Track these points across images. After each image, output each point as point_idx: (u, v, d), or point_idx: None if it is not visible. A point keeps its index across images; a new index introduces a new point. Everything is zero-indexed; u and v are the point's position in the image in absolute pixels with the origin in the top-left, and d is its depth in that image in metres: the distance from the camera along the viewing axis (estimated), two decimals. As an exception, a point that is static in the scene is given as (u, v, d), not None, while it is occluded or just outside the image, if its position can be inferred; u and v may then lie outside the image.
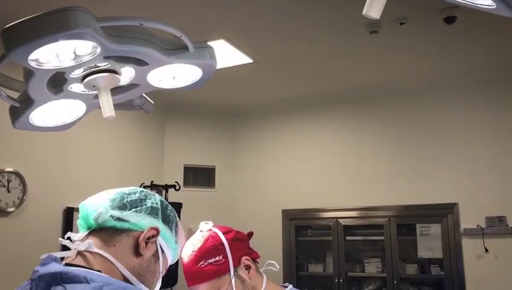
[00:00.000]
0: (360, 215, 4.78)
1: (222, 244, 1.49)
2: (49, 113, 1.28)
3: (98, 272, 0.98)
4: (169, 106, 5.34)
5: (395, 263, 4.49)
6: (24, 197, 3.66)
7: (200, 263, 1.45)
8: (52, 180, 3.91)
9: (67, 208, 3.92)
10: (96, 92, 1.19)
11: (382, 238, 4.63)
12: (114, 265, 1.03)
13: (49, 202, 3.82)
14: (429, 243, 4.41)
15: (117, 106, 1.32)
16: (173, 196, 4.53)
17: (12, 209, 3.59)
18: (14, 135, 3.68)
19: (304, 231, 5.11)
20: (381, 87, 4.78)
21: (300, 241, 5.11)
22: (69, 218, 3.87)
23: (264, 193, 5.29)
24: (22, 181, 3.67)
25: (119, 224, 1.08)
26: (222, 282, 1.46)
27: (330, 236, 4.83)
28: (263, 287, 1.56)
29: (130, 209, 1.10)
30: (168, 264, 1.18)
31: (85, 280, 0.93)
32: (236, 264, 1.50)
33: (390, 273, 4.49)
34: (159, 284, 1.15)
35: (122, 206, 1.10)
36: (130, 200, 1.12)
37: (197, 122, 5.56)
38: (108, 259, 1.03)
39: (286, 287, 1.64)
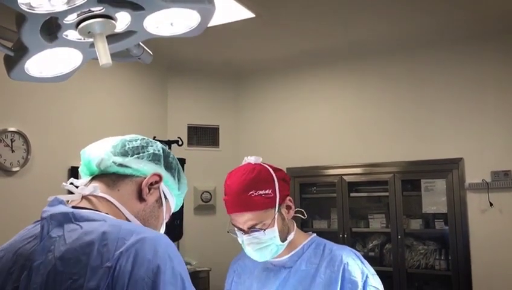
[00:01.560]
0: (365, 172, 4.78)
1: (273, 179, 1.54)
2: (46, 63, 1.25)
3: (107, 214, 0.98)
4: (171, 65, 5.28)
5: (400, 218, 4.52)
6: (28, 156, 3.67)
7: (251, 192, 1.48)
8: (56, 140, 3.91)
9: (72, 167, 3.94)
10: (92, 39, 1.15)
11: (386, 194, 4.64)
12: (119, 209, 1.03)
13: (53, 161, 3.83)
14: (434, 198, 4.42)
15: (115, 56, 1.28)
16: (176, 152, 4.53)
17: (17, 168, 3.61)
18: (16, 94, 3.67)
19: (308, 189, 5.13)
20: (386, 42, 4.68)
21: (305, 199, 5.14)
22: (73, 177, 3.88)
23: (268, 151, 5.27)
24: (26, 141, 3.68)
25: (121, 170, 1.07)
26: (266, 215, 1.51)
27: (334, 193, 4.85)
28: (294, 230, 1.61)
29: (132, 155, 1.10)
30: (172, 211, 1.18)
31: (101, 219, 0.93)
32: (281, 202, 1.55)
33: (394, 228, 4.53)
34: (163, 229, 1.16)
35: (124, 153, 1.09)
36: (132, 147, 1.11)
37: (200, 81, 5.51)
38: (113, 203, 1.03)
39: (311, 234, 1.68)
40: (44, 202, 0.98)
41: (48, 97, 3.92)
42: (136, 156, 1.10)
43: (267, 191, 1.50)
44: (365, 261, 1.55)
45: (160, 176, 1.10)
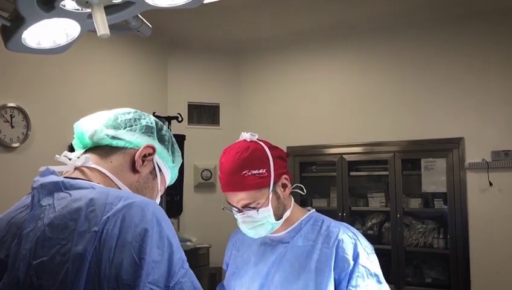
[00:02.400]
0: (365, 151, 4.78)
1: (268, 158, 1.51)
2: (43, 34, 1.24)
3: (98, 184, 0.98)
4: (172, 43, 5.24)
5: (399, 197, 4.53)
6: (28, 132, 3.67)
7: (244, 172, 1.47)
8: (55, 116, 3.90)
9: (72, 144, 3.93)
10: (89, 10, 1.14)
11: (386, 173, 4.64)
12: (112, 180, 1.03)
13: (53, 137, 3.82)
14: (434, 177, 4.42)
15: (114, 28, 1.27)
16: (176, 129, 4.54)
17: (17, 144, 3.60)
18: (16, 70, 3.65)
19: (308, 167, 5.14)
20: (388, 20, 4.64)
21: (304, 177, 5.15)
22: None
23: (268, 130, 5.26)
24: (25, 116, 3.67)
25: (114, 142, 1.08)
26: (260, 194, 1.49)
27: (334, 172, 4.86)
28: (291, 207, 1.60)
29: (125, 128, 1.10)
30: (167, 184, 1.19)
31: (89, 186, 0.94)
32: (276, 181, 1.53)
33: (393, 207, 4.55)
34: (157, 201, 1.15)
35: (117, 125, 1.10)
36: (124, 119, 1.12)
37: (200, 59, 5.47)
38: (105, 174, 1.03)
39: (309, 210, 1.67)
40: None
41: (47, 73, 3.89)
42: (128, 128, 1.10)
43: (261, 171, 1.48)
44: (363, 239, 1.53)
45: (153, 148, 1.10)
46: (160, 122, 1.18)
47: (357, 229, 4.98)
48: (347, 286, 1.44)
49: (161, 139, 1.15)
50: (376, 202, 4.73)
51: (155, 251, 0.82)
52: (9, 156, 3.58)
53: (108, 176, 1.03)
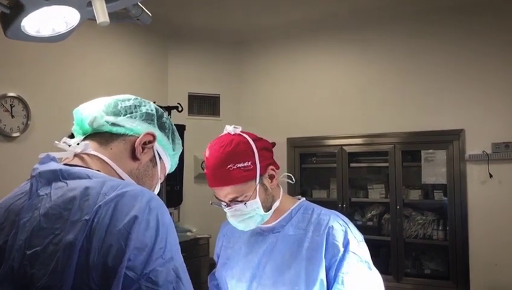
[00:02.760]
0: (365, 143, 4.77)
1: (252, 151, 1.49)
2: (42, 22, 1.23)
3: (97, 171, 0.97)
4: (172, 33, 5.22)
5: (399, 189, 4.54)
6: (28, 122, 3.67)
7: (229, 166, 1.45)
8: (55, 106, 3.89)
9: (72, 134, 3.93)
10: (89, -4, 1.13)
11: (386, 165, 4.64)
12: (111, 167, 1.03)
13: (53, 127, 3.81)
14: (434, 169, 4.42)
15: (114, 17, 1.26)
16: (177, 119, 4.52)
17: (17, 134, 3.61)
18: (16, 59, 3.64)
19: (308, 159, 5.14)
20: (388, 11, 4.61)
21: (305, 169, 5.16)
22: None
23: (269, 121, 5.27)
24: (25, 106, 3.66)
25: (114, 129, 1.07)
26: (247, 188, 1.48)
27: (335, 163, 4.86)
28: (280, 197, 1.59)
29: (125, 115, 1.09)
30: (167, 171, 1.18)
31: (86, 176, 0.93)
32: (263, 172, 1.51)
33: (393, 198, 4.55)
34: (157, 189, 1.15)
35: (117, 112, 1.09)
36: (125, 106, 1.10)
37: (201, 49, 5.46)
38: (105, 161, 1.03)
39: (299, 199, 1.66)
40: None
41: (47, 63, 3.88)
42: (128, 115, 1.09)
43: (246, 164, 1.46)
44: (353, 227, 1.53)
45: (153, 135, 1.09)
46: (160, 110, 1.17)
47: (357, 220, 4.98)
48: (337, 273, 1.43)
49: (161, 127, 1.14)
50: (376, 193, 4.74)
51: (140, 238, 0.81)
52: (10, 145, 3.58)
53: (108, 163, 1.03)
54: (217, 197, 1.53)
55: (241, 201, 1.48)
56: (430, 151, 4.44)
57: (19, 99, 3.63)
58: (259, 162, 1.49)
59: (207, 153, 1.50)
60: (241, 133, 1.53)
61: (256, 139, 1.53)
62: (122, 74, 4.64)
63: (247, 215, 1.51)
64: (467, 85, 4.38)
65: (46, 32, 1.27)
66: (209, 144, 1.53)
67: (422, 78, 4.57)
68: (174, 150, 1.18)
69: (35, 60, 3.78)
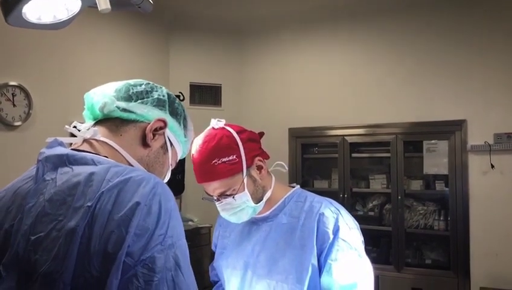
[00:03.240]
0: (367, 133, 4.76)
1: (236, 144, 1.48)
2: (43, 8, 1.23)
3: (105, 157, 0.96)
4: (173, 22, 5.20)
5: (400, 179, 4.53)
6: (30, 111, 3.67)
7: (214, 161, 1.44)
8: (57, 95, 3.90)
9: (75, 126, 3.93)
10: (90, -16, 1.13)
11: (388, 155, 4.64)
12: (121, 154, 1.01)
13: (55, 116, 3.82)
14: (435, 159, 4.42)
15: (115, 4, 1.25)
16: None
17: (19, 123, 3.60)
18: (17, 48, 3.63)
19: (310, 149, 5.14)
20: (390, 1, 4.59)
21: (306, 159, 5.15)
22: (74, 134, 3.89)
23: (270, 111, 5.26)
24: (27, 95, 3.66)
25: (125, 115, 1.05)
26: (234, 181, 1.47)
27: (336, 153, 4.85)
28: (272, 187, 1.58)
29: (136, 100, 1.07)
30: (178, 158, 1.17)
31: (92, 162, 0.92)
32: (250, 164, 1.50)
33: (394, 189, 4.55)
34: (168, 175, 1.14)
35: (128, 98, 1.07)
36: (136, 92, 1.08)
37: (202, 39, 5.43)
38: (114, 148, 1.01)
39: (293, 187, 1.65)
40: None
41: (48, 51, 3.87)
42: (140, 101, 1.07)
43: (231, 158, 1.45)
44: (346, 214, 1.51)
45: (165, 122, 1.08)
46: (173, 95, 1.15)
47: (358, 210, 4.98)
48: (326, 260, 1.43)
49: (173, 113, 1.12)
50: (377, 183, 4.73)
51: (141, 224, 0.80)
52: (12, 134, 3.59)
53: (117, 150, 1.01)
54: (206, 192, 1.53)
55: (230, 195, 1.47)
56: (433, 141, 4.43)
57: (21, 88, 3.62)
58: (245, 154, 1.47)
59: (193, 150, 1.49)
60: (224, 127, 1.51)
61: (240, 132, 1.51)
62: (123, 62, 4.63)
63: (238, 208, 1.50)
64: (470, 75, 4.36)
65: (47, 19, 1.27)
66: (194, 140, 1.51)
67: (424, 68, 4.55)
68: (185, 136, 1.17)
69: (37, 49, 3.77)
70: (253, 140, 1.54)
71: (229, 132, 1.49)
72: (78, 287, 0.77)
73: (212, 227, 4.86)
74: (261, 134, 1.62)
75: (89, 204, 0.82)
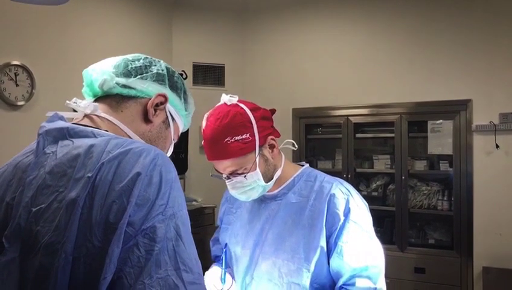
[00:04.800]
0: (371, 113, 4.73)
1: (250, 122, 1.44)
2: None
3: (105, 131, 0.96)
4: (176, 2, 5.14)
5: (404, 159, 4.52)
6: (33, 91, 3.66)
7: (226, 139, 1.41)
8: (60, 74, 3.88)
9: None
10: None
11: (392, 135, 4.62)
12: (122, 130, 1.01)
13: (58, 96, 3.81)
14: (440, 139, 4.40)
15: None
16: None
17: (22, 102, 3.60)
18: (19, 28, 3.60)
19: (314, 129, 5.12)
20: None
21: (310, 139, 5.14)
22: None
23: (274, 91, 5.23)
24: (30, 75, 3.65)
25: (125, 91, 1.04)
26: (246, 160, 1.44)
27: (340, 134, 4.83)
28: (282, 165, 1.56)
29: (135, 76, 1.06)
30: (180, 132, 1.17)
31: (92, 135, 0.92)
32: (262, 143, 1.47)
33: (398, 169, 4.54)
34: (171, 150, 1.14)
35: (127, 73, 1.06)
36: (135, 67, 1.08)
37: (205, 18, 5.38)
38: (115, 124, 1.01)
39: (302, 165, 1.63)
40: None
41: (51, 31, 3.85)
42: (139, 76, 1.06)
43: (244, 136, 1.41)
44: (356, 195, 1.49)
45: (165, 97, 1.07)
46: (171, 69, 1.14)
47: (362, 190, 4.97)
48: (337, 242, 1.41)
49: (173, 87, 1.12)
50: (381, 164, 4.73)
51: (141, 194, 0.81)
52: (15, 114, 3.58)
53: (118, 126, 1.01)
54: (216, 170, 1.50)
55: (241, 173, 1.45)
56: (437, 121, 4.40)
57: (23, 67, 3.61)
58: (258, 133, 1.44)
59: (203, 125, 1.47)
60: (238, 104, 1.47)
61: (254, 109, 1.47)
62: (125, 42, 4.60)
63: (248, 187, 1.48)
64: (475, 55, 4.31)
65: (47, -6, 1.25)
66: (206, 115, 1.49)
67: (429, 48, 4.50)
68: (186, 110, 1.16)
69: (39, 29, 3.74)
70: (266, 118, 1.51)
71: (243, 109, 1.45)
72: (79, 257, 0.78)
73: (216, 207, 4.88)
74: (273, 111, 1.58)
75: (90, 175, 0.82)
